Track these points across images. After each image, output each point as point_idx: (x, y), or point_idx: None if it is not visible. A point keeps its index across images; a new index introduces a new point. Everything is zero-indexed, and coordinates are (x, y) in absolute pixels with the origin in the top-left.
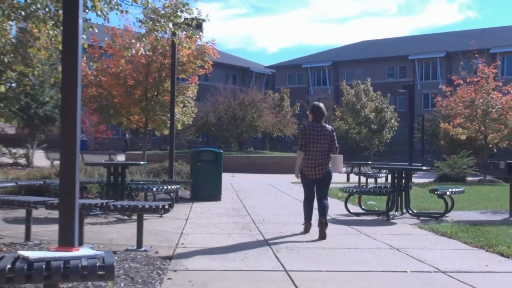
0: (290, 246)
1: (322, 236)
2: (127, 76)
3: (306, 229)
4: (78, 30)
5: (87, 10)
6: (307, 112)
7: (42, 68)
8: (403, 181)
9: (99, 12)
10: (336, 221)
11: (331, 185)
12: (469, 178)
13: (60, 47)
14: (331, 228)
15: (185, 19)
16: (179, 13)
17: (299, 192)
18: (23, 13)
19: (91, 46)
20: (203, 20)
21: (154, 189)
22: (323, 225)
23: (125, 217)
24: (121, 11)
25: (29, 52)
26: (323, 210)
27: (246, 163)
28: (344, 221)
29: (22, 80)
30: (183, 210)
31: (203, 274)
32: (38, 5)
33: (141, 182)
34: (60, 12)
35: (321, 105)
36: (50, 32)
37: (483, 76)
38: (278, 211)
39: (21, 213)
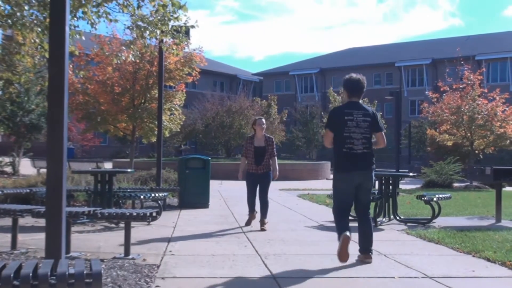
0: (278, 253)
1: (263, 229)
2: (114, 83)
3: (248, 222)
4: (65, 38)
5: (75, 18)
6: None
7: (28, 75)
8: (391, 187)
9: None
10: (323, 228)
11: (319, 192)
12: (456, 184)
13: (47, 55)
14: (319, 235)
15: (173, 26)
16: (166, 20)
17: (287, 199)
18: (9, 21)
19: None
20: (192, 27)
21: (142, 196)
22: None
23: (113, 225)
24: (110, 20)
25: (14, 59)
26: (264, 210)
27: (234, 170)
28: (331, 228)
29: (8, 88)
30: (171, 218)
31: (191, 281)
32: (25, 13)
33: (128, 190)
34: (48, 19)
35: (263, 119)
36: (37, 40)
37: (469, 82)
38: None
39: (7, 221)
